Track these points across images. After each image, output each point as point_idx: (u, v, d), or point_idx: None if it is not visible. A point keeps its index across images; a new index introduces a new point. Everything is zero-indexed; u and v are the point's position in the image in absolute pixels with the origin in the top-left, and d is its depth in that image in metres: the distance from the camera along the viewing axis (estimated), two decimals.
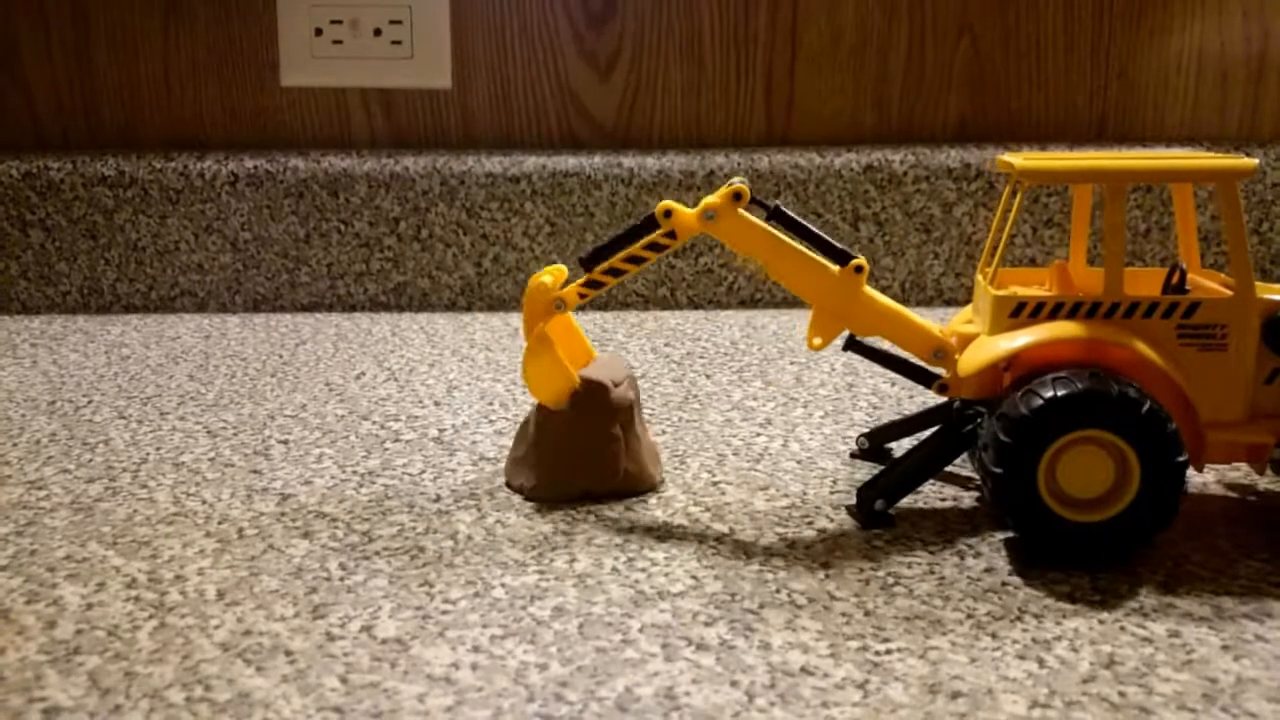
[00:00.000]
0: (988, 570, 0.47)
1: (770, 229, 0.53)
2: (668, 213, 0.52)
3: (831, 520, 0.53)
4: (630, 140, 1.03)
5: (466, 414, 0.69)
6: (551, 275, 0.55)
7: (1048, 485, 0.47)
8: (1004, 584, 0.46)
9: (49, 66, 1.01)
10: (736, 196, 0.52)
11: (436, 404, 0.71)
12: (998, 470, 0.47)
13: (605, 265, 0.54)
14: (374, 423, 0.67)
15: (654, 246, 0.53)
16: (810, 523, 0.52)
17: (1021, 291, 0.53)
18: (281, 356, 0.83)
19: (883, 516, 0.52)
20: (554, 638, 0.42)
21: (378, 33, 0.99)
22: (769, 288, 0.99)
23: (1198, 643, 0.42)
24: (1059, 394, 0.46)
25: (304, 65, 1.00)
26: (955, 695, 0.38)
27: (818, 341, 0.53)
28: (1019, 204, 0.51)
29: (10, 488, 0.57)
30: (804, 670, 0.40)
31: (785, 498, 0.55)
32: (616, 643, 0.41)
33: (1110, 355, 0.49)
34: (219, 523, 0.53)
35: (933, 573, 0.47)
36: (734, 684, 0.39)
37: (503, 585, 0.46)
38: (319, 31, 0.99)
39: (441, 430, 0.66)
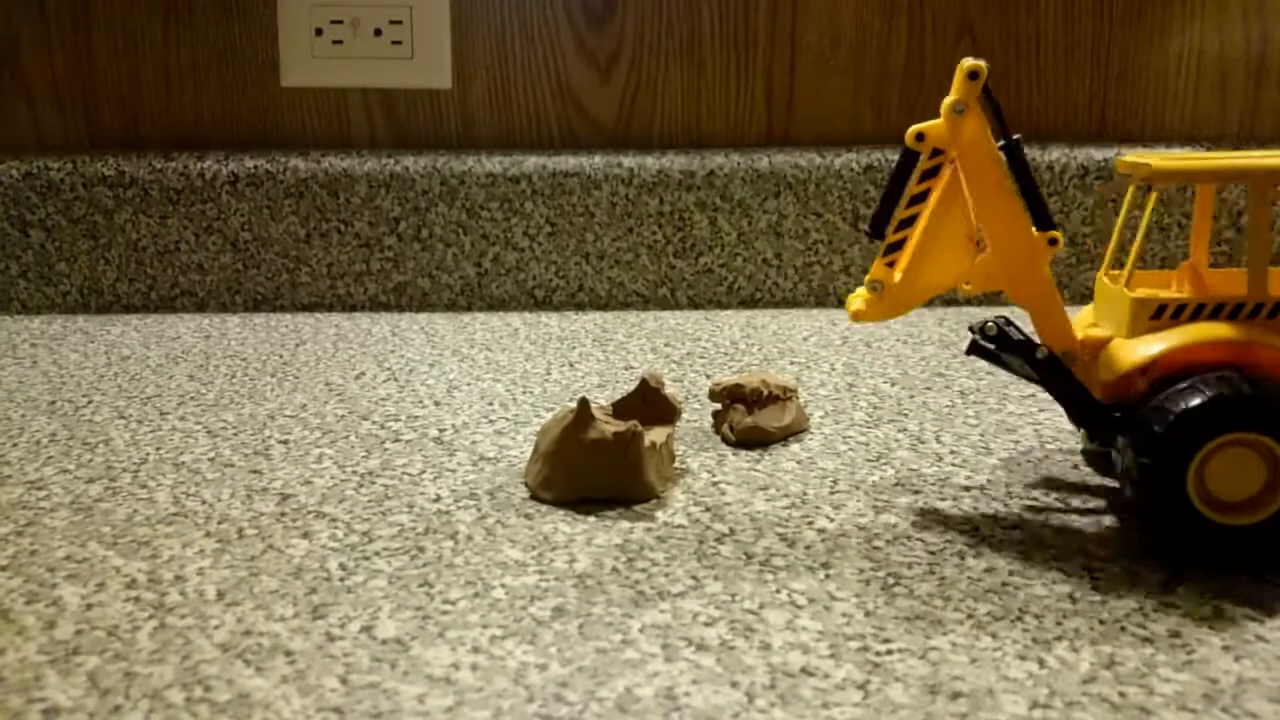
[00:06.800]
0: (988, 570, 0.47)
1: (1000, 155, 0.50)
2: (919, 135, 0.50)
3: (832, 520, 0.53)
4: (630, 140, 1.03)
5: (466, 414, 0.69)
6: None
7: (1195, 485, 0.46)
8: (1004, 584, 0.46)
9: (49, 66, 1.01)
10: (973, 75, 0.49)
11: (436, 404, 0.71)
12: (1145, 462, 0.45)
13: (895, 220, 0.51)
14: (374, 423, 0.67)
15: (929, 174, 0.50)
16: (810, 523, 0.52)
17: (1162, 294, 0.51)
18: (281, 356, 0.83)
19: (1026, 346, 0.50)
20: (554, 638, 0.42)
21: (378, 33, 0.99)
22: (769, 288, 0.99)
23: (1198, 643, 0.42)
24: (1224, 393, 0.45)
25: (304, 65, 1.00)
26: (955, 696, 0.38)
27: (968, 287, 0.52)
28: (1152, 205, 0.49)
29: (10, 488, 0.57)
30: (804, 671, 0.40)
31: (785, 498, 0.55)
32: (616, 643, 0.41)
33: (1256, 357, 0.47)
34: (219, 523, 0.53)
35: (933, 573, 0.47)
36: (734, 684, 0.39)
37: (503, 585, 0.46)
38: (319, 31, 0.99)
39: (441, 430, 0.66)
